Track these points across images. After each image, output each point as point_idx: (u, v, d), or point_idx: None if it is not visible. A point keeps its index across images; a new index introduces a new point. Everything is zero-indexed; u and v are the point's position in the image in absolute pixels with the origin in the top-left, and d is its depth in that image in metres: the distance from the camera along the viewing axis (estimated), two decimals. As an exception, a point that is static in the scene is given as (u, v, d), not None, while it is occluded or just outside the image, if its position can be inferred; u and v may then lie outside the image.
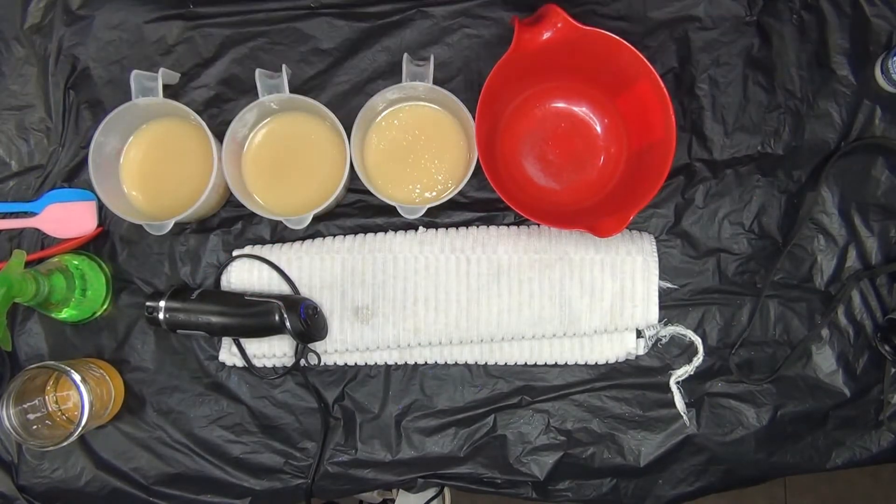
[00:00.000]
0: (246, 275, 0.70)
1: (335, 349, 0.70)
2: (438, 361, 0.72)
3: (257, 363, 0.71)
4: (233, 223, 0.73)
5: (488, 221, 0.73)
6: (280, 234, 0.73)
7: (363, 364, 0.72)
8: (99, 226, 0.72)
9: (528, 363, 0.71)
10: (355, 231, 0.72)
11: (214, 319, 0.66)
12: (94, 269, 0.70)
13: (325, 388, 0.72)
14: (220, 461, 0.71)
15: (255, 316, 0.66)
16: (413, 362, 0.72)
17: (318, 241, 0.71)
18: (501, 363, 0.72)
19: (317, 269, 0.70)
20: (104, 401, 0.67)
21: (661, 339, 0.72)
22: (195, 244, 0.72)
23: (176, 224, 0.66)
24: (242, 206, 0.67)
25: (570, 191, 0.72)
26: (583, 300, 0.69)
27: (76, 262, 0.69)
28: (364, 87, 0.73)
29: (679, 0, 0.73)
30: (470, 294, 0.69)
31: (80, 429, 0.64)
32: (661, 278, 0.71)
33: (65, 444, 0.64)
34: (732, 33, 0.73)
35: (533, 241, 0.70)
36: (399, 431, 0.72)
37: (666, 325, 0.72)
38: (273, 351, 0.70)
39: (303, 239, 0.72)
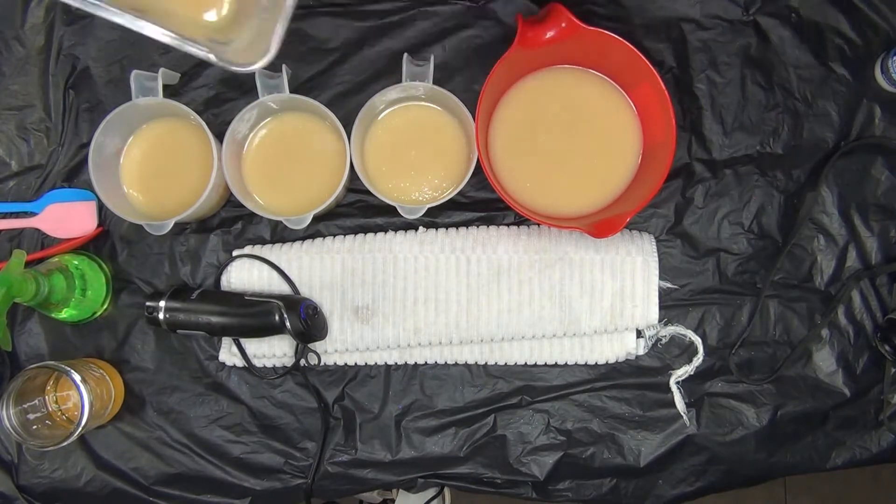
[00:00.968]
0: (246, 275, 0.70)
1: (335, 349, 0.70)
2: (438, 361, 0.72)
3: (257, 363, 0.71)
4: (233, 223, 0.73)
5: (488, 221, 0.73)
6: (280, 234, 0.73)
7: (363, 364, 0.72)
8: (99, 226, 0.72)
9: (528, 363, 0.71)
10: (355, 231, 0.72)
11: (214, 319, 0.66)
12: (94, 269, 0.70)
13: (325, 388, 0.72)
14: (220, 461, 0.71)
15: (255, 316, 0.66)
16: (413, 362, 0.72)
17: (318, 241, 0.71)
18: (501, 363, 0.72)
19: (317, 269, 0.70)
20: (104, 401, 0.67)
21: (661, 339, 0.72)
22: (195, 244, 0.72)
23: (176, 224, 0.66)
24: (242, 206, 0.67)
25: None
26: (583, 300, 0.69)
27: (76, 262, 0.69)
28: (364, 86, 0.73)
29: (676, 0, 0.73)
30: (470, 294, 0.69)
31: (80, 429, 0.64)
32: (661, 278, 0.71)
33: (65, 444, 0.64)
34: (730, 33, 0.73)
35: (533, 241, 0.70)
36: (399, 431, 0.72)
37: (666, 325, 0.72)
38: (273, 351, 0.70)
39: (303, 239, 0.72)
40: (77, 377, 0.64)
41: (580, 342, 0.71)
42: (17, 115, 0.73)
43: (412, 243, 0.70)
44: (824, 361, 0.72)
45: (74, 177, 0.73)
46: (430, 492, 1.19)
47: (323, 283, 0.70)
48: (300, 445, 0.72)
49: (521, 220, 0.73)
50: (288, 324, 0.65)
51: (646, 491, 0.72)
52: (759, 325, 0.73)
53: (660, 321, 0.71)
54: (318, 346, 0.70)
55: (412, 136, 0.70)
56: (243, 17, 0.64)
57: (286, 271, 0.70)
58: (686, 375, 0.72)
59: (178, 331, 0.67)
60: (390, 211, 0.69)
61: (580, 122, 0.70)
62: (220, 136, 0.68)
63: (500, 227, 0.72)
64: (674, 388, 0.72)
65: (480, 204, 0.73)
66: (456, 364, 0.72)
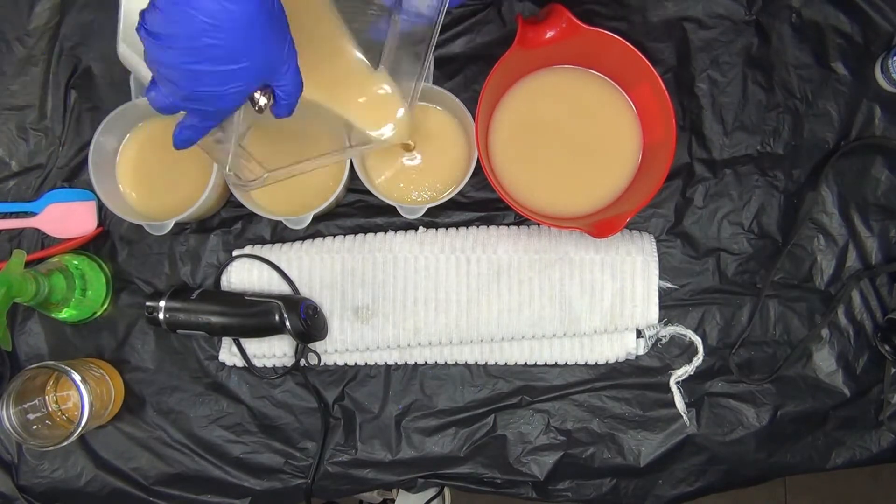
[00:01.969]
0: (246, 275, 0.70)
1: (335, 349, 0.70)
2: (438, 361, 0.72)
3: (257, 363, 0.71)
4: (233, 223, 0.73)
5: (488, 221, 0.73)
6: (280, 234, 0.73)
7: (363, 364, 0.72)
8: (99, 226, 0.72)
9: (528, 363, 0.71)
10: (355, 231, 0.72)
11: (214, 319, 0.66)
12: (94, 269, 0.70)
13: (325, 388, 0.72)
14: (220, 461, 0.71)
15: (255, 316, 0.66)
16: (413, 362, 0.72)
17: (318, 241, 0.71)
18: (501, 363, 0.72)
19: (317, 269, 0.70)
20: (104, 401, 0.67)
21: (661, 339, 0.72)
22: (195, 244, 0.72)
23: (176, 224, 0.66)
24: (242, 206, 0.67)
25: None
26: (583, 300, 0.69)
27: (76, 262, 0.69)
28: (364, 87, 0.73)
29: (678, 0, 0.73)
30: (470, 294, 0.69)
31: (80, 429, 0.64)
32: (661, 278, 0.71)
33: (65, 444, 0.64)
34: (731, 33, 0.73)
35: (533, 241, 0.70)
36: (399, 431, 0.72)
37: (666, 325, 0.72)
38: (273, 351, 0.70)
39: (303, 239, 0.72)
40: (77, 377, 0.64)
41: (580, 342, 0.71)
42: (18, 115, 0.73)
43: (412, 243, 0.70)
44: (824, 361, 0.72)
45: (74, 177, 0.73)
46: (430, 492, 1.19)
47: (323, 283, 0.70)
48: (300, 445, 0.72)
49: (521, 220, 0.73)
50: (288, 324, 0.65)
51: (646, 491, 0.72)
52: (759, 325, 0.73)
53: (660, 321, 0.71)
54: (318, 346, 0.70)
55: (412, 135, 0.70)
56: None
57: (286, 271, 0.70)
58: (686, 375, 0.72)
59: (178, 331, 0.67)
60: (390, 211, 0.69)
61: (580, 121, 0.70)
62: (220, 136, 0.68)
63: (500, 227, 0.72)
64: (674, 388, 0.72)
65: (480, 204, 0.73)
66: (456, 364, 0.72)
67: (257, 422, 0.72)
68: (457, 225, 0.72)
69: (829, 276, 0.73)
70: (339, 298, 0.70)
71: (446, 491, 1.23)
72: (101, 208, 0.72)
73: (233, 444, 0.72)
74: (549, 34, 0.65)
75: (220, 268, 0.71)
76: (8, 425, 0.63)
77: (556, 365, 0.72)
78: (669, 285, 0.72)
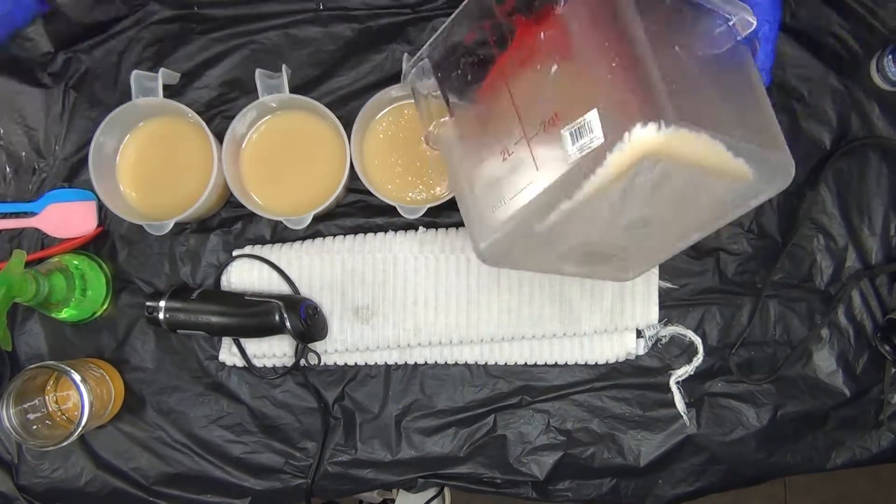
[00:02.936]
0: (246, 275, 0.70)
1: (335, 349, 0.70)
2: (438, 361, 0.72)
3: (257, 363, 0.71)
4: (233, 223, 0.73)
5: (488, 221, 0.73)
6: (280, 234, 0.73)
7: (363, 364, 0.72)
8: (99, 226, 0.72)
9: (528, 363, 0.71)
10: (355, 231, 0.72)
11: (214, 319, 0.66)
12: (94, 269, 0.70)
13: (325, 388, 0.72)
14: (220, 461, 0.71)
15: (255, 316, 0.66)
16: (413, 362, 0.72)
17: (318, 241, 0.71)
18: (501, 363, 0.72)
19: (317, 269, 0.70)
20: (104, 401, 0.67)
21: (661, 339, 0.72)
22: (195, 244, 0.72)
23: (176, 224, 0.66)
24: (242, 206, 0.67)
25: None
26: (583, 300, 0.69)
27: (76, 262, 0.69)
28: (364, 87, 0.72)
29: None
30: (470, 294, 0.69)
31: (80, 429, 0.64)
32: (661, 278, 0.71)
33: (65, 444, 0.64)
34: (732, 33, 0.73)
35: (533, 241, 0.70)
36: (399, 431, 0.72)
37: (666, 325, 0.72)
38: (273, 351, 0.70)
39: (303, 239, 0.72)
40: (77, 377, 0.64)
41: (580, 342, 0.71)
42: (18, 115, 0.73)
43: (412, 243, 0.70)
44: (824, 361, 0.72)
45: (74, 177, 0.73)
46: (430, 492, 1.19)
47: (323, 283, 0.70)
48: (300, 445, 0.72)
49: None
50: (288, 324, 0.65)
51: (646, 491, 0.72)
52: (759, 325, 0.73)
53: (660, 321, 0.71)
54: (318, 346, 0.70)
55: (412, 136, 0.70)
56: None
57: (286, 271, 0.70)
58: (686, 375, 0.72)
59: (178, 331, 0.68)
60: (390, 211, 0.69)
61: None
62: (220, 137, 0.68)
63: (500, 227, 0.72)
64: (674, 388, 0.72)
65: (480, 204, 0.73)
66: (456, 364, 0.72)
67: (257, 422, 0.72)
68: (457, 225, 0.72)
69: (829, 276, 0.73)
70: (339, 298, 0.70)
71: (446, 491, 1.23)
72: (101, 208, 0.72)
73: (233, 444, 0.72)
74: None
75: (220, 268, 0.71)
76: (8, 425, 0.63)
77: (556, 365, 0.72)
78: (669, 285, 0.72)
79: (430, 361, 0.72)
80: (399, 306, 0.69)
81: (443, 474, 0.72)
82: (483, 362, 0.72)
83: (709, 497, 0.73)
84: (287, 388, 0.72)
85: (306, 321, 0.66)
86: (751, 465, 0.72)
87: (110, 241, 0.73)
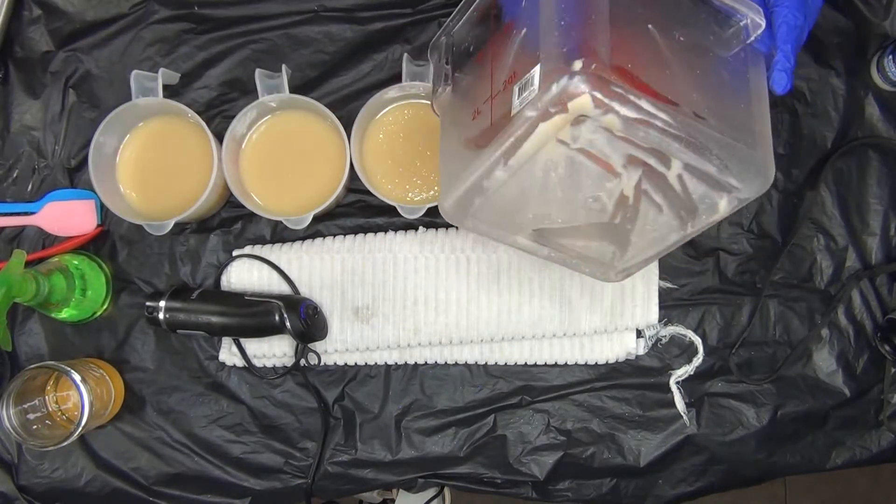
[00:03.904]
0: (246, 275, 0.70)
1: (335, 349, 0.70)
2: (438, 361, 0.72)
3: (257, 363, 0.71)
4: (233, 223, 0.73)
5: (488, 221, 0.73)
6: (280, 234, 0.73)
7: (363, 364, 0.72)
8: (99, 225, 0.72)
9: (528, 363, 0.71)
10: (355, 231, 0.72)
11: (214, 319, 0.66)
12: (94, 269, 0.70)
13: (325, 388, 0.72)
14: (220, 461, 0.71)
15: (255, 316, 0.66)
16: (413, 362, 0.72)
17: (318, 241, 0.71)
18: (501, 363, 0.72)
19: (317, 269, 0.70)
20: (104, 401, 0.67)
21: (661, 339, 0.72)
22: (195, 244, 0.72)
23: (176, 224, 0.66)
24: (242, 206, 0.67)
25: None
26: (583, 300, 0.69)
27: (76, 262, 0.69)
28: (364, 87, 0.73)
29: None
30: (470, 294, 0.69)
31: (80, 429, 0.64)
32: (661, 278, 0.71)
33: (65, 444, 0.64)
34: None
35: (533, 240, 0.70)
36: (399, 431, 0.72)
37: (666, 325, 0.72)
38: (273, 351, 0.70)
39: (303, 239, 0.72)
40: (77, 377, 0.64)
41: (580, 342, 0.71)
42: (18, 115, 0.73)
43: (412, 243, 0.70)
44: (824, 361, 0.72)
45: (74, 177, 0.73)
46: (430, 492, 1.19)
47: (323, 283, 0.70)
48: (300, 445, 0.72)
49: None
50: (288, 324, 0.65)
51: (646, 491, 0.72)
52: (759, 325, 0.73)
53: (660, 321, 0.71)
54: (318, 346, 0.70)
55: (412, 135, 0.70)
56: None
57: (286, 271, 0.70)
58: (686, 375, 0.72)
59: (178, 331, 0.68)
60: (390, 211, 0.69)
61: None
62: (220, 137, 0.68)
63: (500, 227, 0.72)
64: (674, 388, 0.72)
65: (480, 204, 0.73)
66: (456, 364, 0.72)
67: (257, 422, 0.72)
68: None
69: (829, 276, 0.73)
70: (339, 298, 0.70)
71: (446, 491, 1.23)
72: (102, 208, 0.72)
73: (233, 444, 0.72)
74: None
75: (220, 268, 0.71)
76: (8, 425, 0.63)
77: (556, 365, 0.72)
78: (669, 285, 0.72)
79: (430, 361, 0.72)
80: (399, 306, 0.69)
81: (443, 474, 0.72)
82: (483, 362, 0.72)
83: (709, 497, 0.73)
84: (287, 388, 0.72)
85: (306, 321, 0.66)
86: (751, 465, 0.72)
87: (110, 241, 0.73)
